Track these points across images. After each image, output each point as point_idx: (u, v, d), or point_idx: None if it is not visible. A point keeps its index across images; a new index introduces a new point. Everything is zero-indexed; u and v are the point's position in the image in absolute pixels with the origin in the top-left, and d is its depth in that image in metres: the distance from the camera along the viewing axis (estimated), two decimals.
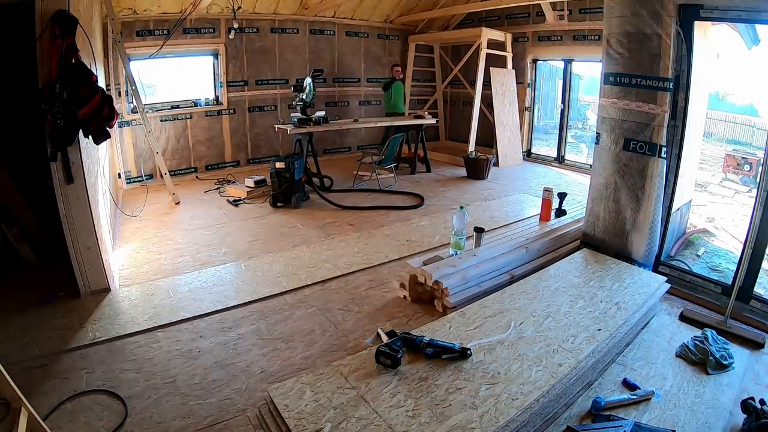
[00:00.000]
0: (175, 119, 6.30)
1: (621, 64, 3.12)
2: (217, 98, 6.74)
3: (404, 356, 2.05)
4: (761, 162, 3.52)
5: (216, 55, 6.57)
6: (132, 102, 5.59)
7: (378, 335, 2.65)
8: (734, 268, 2.94)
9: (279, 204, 5.12)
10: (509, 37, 7.51)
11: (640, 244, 3.23)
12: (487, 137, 7.81)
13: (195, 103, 6.51)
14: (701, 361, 2.40)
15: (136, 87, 4.97)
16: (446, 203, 5.36)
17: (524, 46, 7.72)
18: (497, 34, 7.33)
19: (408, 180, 6.44)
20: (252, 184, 5.49)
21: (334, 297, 3.15)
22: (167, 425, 1.97)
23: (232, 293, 3.15)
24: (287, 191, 5.04)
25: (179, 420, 2.00)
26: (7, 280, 3.25)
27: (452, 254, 3.31)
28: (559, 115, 7.81)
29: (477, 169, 6.62)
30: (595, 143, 3.39)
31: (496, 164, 7.45)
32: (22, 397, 1.60)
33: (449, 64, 8.79)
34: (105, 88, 3.80)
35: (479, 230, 3.47)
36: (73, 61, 2.70)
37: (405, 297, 3.11)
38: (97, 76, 2.95)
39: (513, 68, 7.66)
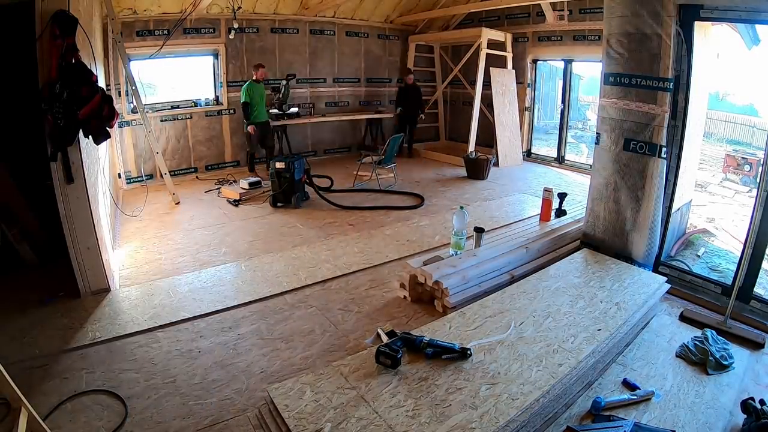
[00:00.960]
0: (175, 119, 6.30)
1: (621, 64, 3.12)
2: (217, 98, 6.74)
3: (404, 356, 2.05)
4: (761, 162, 3.52)
5: (216, 55, 6.58)
6: (132, 102, 5.59)
7: (378, 335, 2.65)
8: (734, 268, 2.95)
9: (279, 204, 5.12)
10: (509, 37, 7.51)
11: (641, 244, 3.22)
12: (487, 137, 7.80)
13: (195, 103, 6.51)
14: (701, 361, 2.40)
15: (136, 87, 4.97)
16: (446, 203, 5.36)
17: (524, 46, 7.72)
18: (497, 34, 7.33)
19: (408, 180, 6.43)
20: (246, 186, 5.46)
21: (334, 297, 3.15)
22: (167, 425, 1.97)
23: (232, 293, 3.15)
24: (287, 191, 5.04)
25: (179, 420, 2.00)
26: (7, 280, 3.25)
27: (452, 254, 3.31)
28: (559, 115, 7.82)
29: (477, 169, 6.63)
30: (596, 143, 3.39)
31: (496, 164, 7.46)
32: (22, 397, 1.60)
33: (449, 64, 8.79)
34: (105, 88, 3.80)
35: (479, 230, 3.47)
36: (73, 61, 2.70)
37: (405, 297, 3.11)
38: (97, 76, 2.95)
39: (513, 68, 7.66)
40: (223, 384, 2.24)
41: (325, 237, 4.25)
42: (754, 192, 3.00)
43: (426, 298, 3.06)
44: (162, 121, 6.17)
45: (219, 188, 5.76)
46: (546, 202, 4.08)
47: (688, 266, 3.54)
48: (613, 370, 2.37)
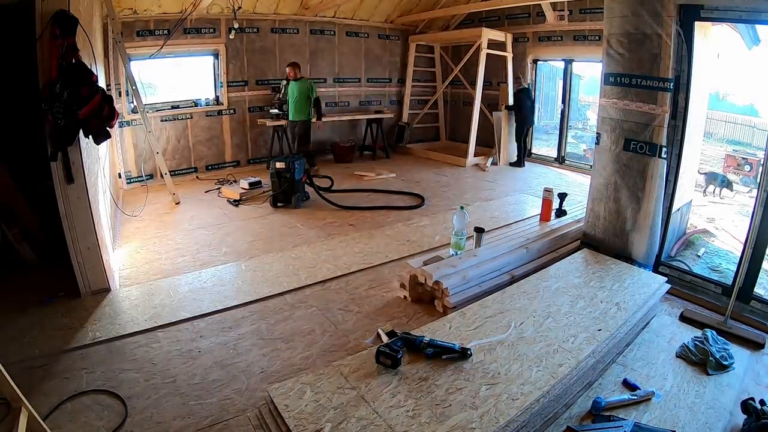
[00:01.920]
0: (175, 119, 6.30)
1: (621, 64, 3.12)
2: (217, 98, 6.74)
3: (404, 356, 2.05)
4: (761, 162, 3.52)
5: (216, 55, 6.58)
6: (132, 102, 5.59)
7: (378, 335, 2.64)
8: (734, 268, 2.94)
9: (279, 204, 5.12)
10: (509, 37, 7.51)
11: (641, 244, 3.22)
12: (488, 137, 7.81)
13: (195, 103, 6.51)
14: (701, 361, 2.40)
15: (136, 87, 4.97)
16: (446, 203, 5.36)
17: (524, 47, 7.72)
18: (497, 35, 7.33)
19: (409, 180, 6.43)
20: (246, 186, 5.46)
21: (334, 297, 3.15)
22: (167, 425, 1.97)
23: (232, 293, 3.15)
24: (287, 191, 5.04)
25: (179, 420, 2.00)
26: (7, 280, 3.25)
27: (452, 254, 3.31)
28: (559, 116, 7.81)
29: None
30: (596, 143, 3.39)
31: (496, 164, 7.47)
32: (22, 397, 1.60)
33: (449, 64, 8.79)
34: (105, 88, 3.80)
35: (479, 230, 3.47)
36: (74, 61, 2.70)
37: (405, 297, 3.11)
38: (97, 76, 2.95)
39: (513, 68, 7.66)
40: (223, 384, 2.24)
41: (325, 237, 4.25)
42: (755, 192, 3.00)
43: (426, 298, 3.06)
44: (162, 121, 6.17)
45: (219, 188, 5.76)
46: (546, 202, 4.08)
47: (688, 266, 3.54)
48: (613, 370, 2.36)
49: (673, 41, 2.91)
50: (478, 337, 2.23)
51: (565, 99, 7.60)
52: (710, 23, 3.37)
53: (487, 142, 7.85)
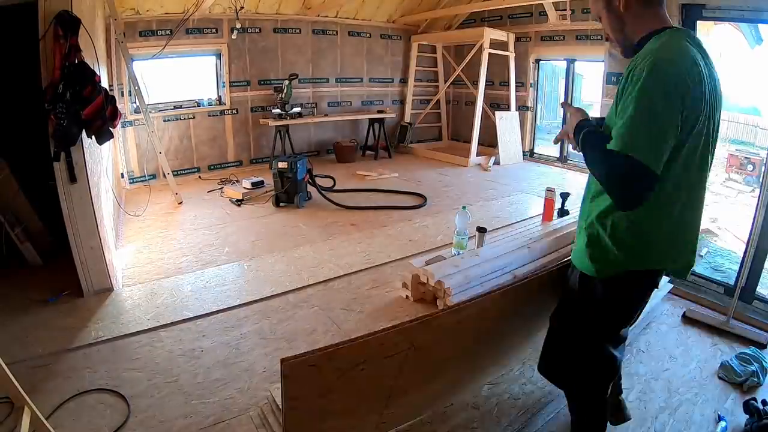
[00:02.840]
0: (178, 119, 6.32)
1: (624, 63, 3.11)
2: (219, 98, 6.75)
3: None
4: (764, 162, 3.51)
5: (219, 56, 6.59)
6: (135, 102, 5.60)
7: None
8: (737, 268, 2.94)
9: (281, 204, 5.13)
10: (512, 36, 7.50)
11: None
12: (490, 137, 7.80)
13: (198, 103, 6.53)
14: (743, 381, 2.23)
15: (138, 87, 4.99)
16: (449, 203, 5.36)
17: (527, 46, 7.71)
18: (500, 34, 7.33)
19: (411, 180, 6.43)
20: (249, 186, 5.46)
21: (336, 297, 3.15)
22: (170, 424, 1.97)
23: (234, 293, 3.16)
24: (290, 191, 5.05)
25: (182, 419, 2.00)
26: (10, 279, 3.27)
27: (455, 254, 3.31)
28: (561, 115, 7.80)
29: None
30: None
31: (498, 163, 7.46)
32: (25, 396, 1.61)
33: (452, 64, 8.78)
34: (108, 89, 3.81)
35: (482, 230, 3.47)
36: (77, 61, 2.71)
37: (407, 297, 3.11)
38: (100, 77, 2.96)
39: (515, 68, 7.65)
40: (225, 383, 2.25)
41: (327, 237, 4.26)
42: (757, 192, 2.99)
43: (428, 298, 3.06)
44: (165, 121, 6.18)
45: (222, 188, 5.77)
46: (548, 202, 4.07)
47: None
48: None
49: None
50: None
51: (568, 98, 7.58)
52: (712, 22, 3.35)
53: (490, 142, 7.84)
